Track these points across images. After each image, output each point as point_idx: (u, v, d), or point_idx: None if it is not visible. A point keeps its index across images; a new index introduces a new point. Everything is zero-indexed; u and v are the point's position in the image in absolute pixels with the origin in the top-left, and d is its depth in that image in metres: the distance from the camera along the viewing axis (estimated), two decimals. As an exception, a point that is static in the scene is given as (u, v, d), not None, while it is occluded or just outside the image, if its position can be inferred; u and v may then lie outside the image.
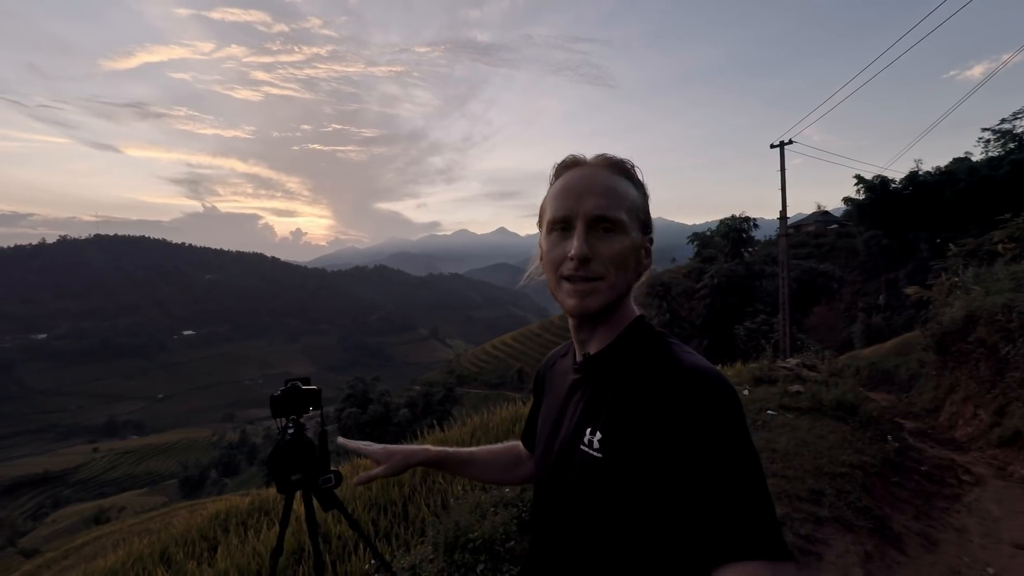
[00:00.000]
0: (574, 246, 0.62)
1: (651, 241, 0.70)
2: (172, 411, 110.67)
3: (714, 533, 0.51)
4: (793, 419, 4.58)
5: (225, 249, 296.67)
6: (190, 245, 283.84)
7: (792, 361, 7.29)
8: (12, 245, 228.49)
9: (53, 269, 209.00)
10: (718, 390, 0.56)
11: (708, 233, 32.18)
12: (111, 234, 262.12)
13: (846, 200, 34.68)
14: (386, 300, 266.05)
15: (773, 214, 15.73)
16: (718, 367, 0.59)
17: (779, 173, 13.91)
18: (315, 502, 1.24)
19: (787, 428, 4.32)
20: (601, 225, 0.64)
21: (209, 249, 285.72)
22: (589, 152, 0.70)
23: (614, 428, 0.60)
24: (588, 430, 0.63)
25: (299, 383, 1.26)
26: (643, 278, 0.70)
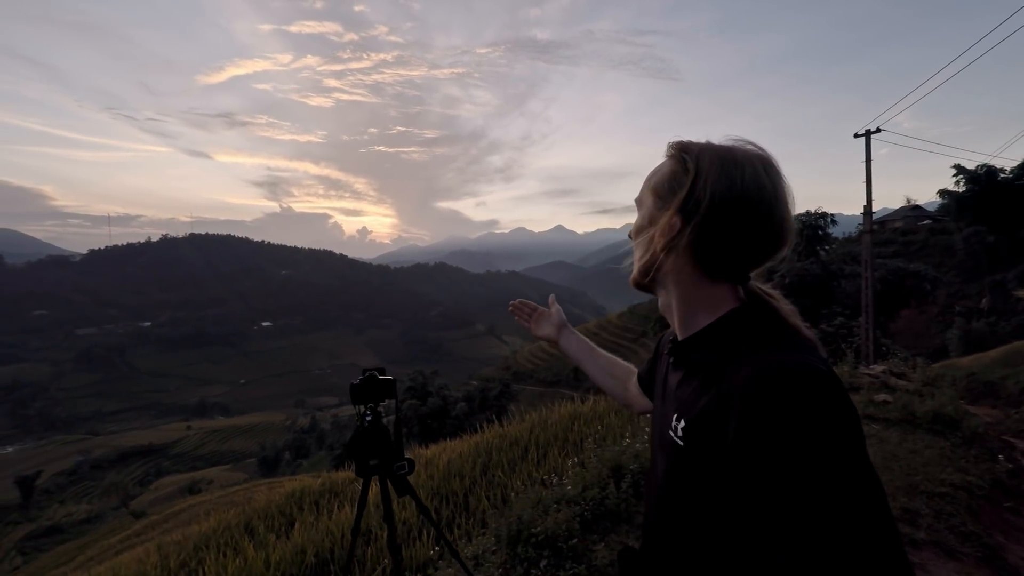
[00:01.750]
0: None
1: (676, 217, 0.62)
2: (252, 395, 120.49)
3: (775, 559, 0.46)
4: (880, 430, 4.19)
5: (299, 247, 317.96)
6: (268, 243, 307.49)
7: (877, 368, 6.66)
8: (125, 243, 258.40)
9: (156, 264, 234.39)
10: (807, 394, 0.49)
11: None
12: (203, 233, 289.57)
13: (942, 193, 30.92)
14: (445, 296, 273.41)
15: (853, 209, 14.40)
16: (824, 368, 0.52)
17: (863, 164, 12.69)
18: (391, 487, 1.29)
19: (874, 440, 3.96)
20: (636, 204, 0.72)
21: (285, 247, 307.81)
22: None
23: (695, 421, 0.59)
24: (675, 416, 0.63)
25: (376, 373, 1.32)
26: (663, 254, 0.64)
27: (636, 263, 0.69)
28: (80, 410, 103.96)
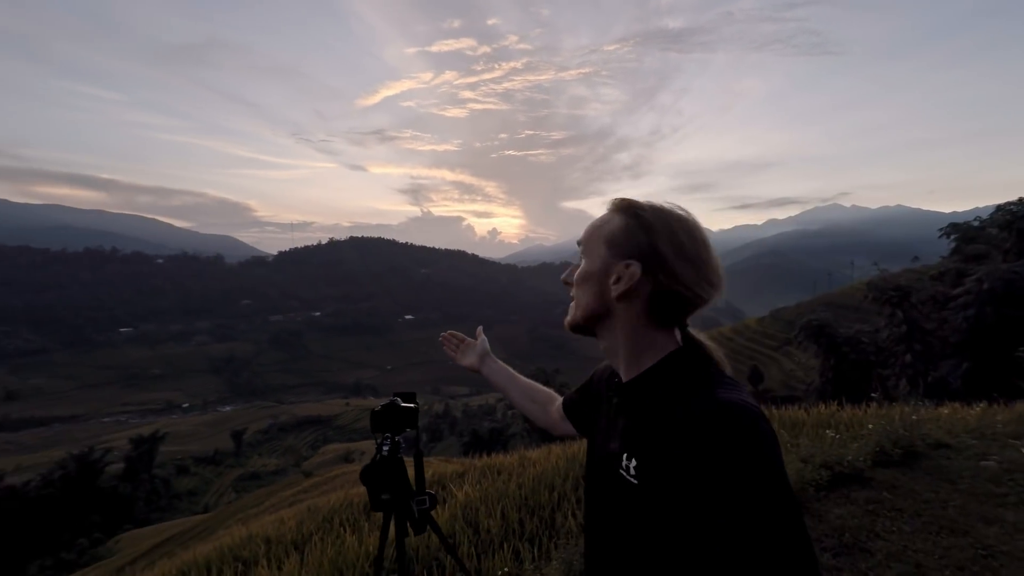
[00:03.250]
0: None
1: (636, 268, 0.68)
2: (396, 380, 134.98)
3: None
4: None
5: (436, 247, 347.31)
6: (411, 244, 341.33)
7: None
8: (303, 246, 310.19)
9: (325, 264, 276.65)
10: (745, 429, 0.55)
11: (976, 223, 23.65)
12: (360, 236, 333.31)
13: None
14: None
15: None
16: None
17: None
18: (408, 525, 1.24)
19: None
20: (580, 250, 0.76)
21: (425, 247, 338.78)
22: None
23: (648, 458, 0.63)
24: (626, 456, 0.66)
25: (399, 400, 1.28)
26: (616, 301, 0.70)
27: (578, 307, 0.75)
28: (271, 382, 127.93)
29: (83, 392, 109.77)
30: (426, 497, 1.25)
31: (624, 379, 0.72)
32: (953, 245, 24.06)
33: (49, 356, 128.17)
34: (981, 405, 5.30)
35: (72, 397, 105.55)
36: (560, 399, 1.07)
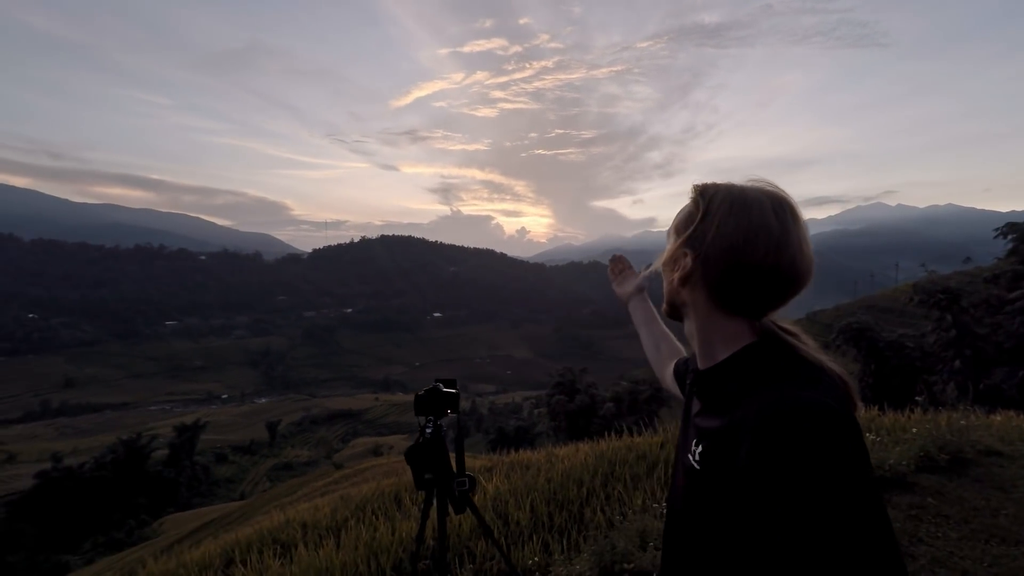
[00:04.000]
0: None
1: (685, 250, 0.68)
2: (425, 376, 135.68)
3: None
4: None
5: (465, 246, 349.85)
6: (440, 243, 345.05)
7: None
8: (336, 244, 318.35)
9: (357, 262, 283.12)
10: (815, 430, 0.50)
11: None
12: (391, 235, 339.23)
13: None
14: (599, 295, 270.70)
15: None
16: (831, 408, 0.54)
17: None
18: (449, 504, 1.30)
19: None
20: None
21: (454, 246, 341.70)
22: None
23: (709, 445, 0.63)
24: (694, 441, 0.67)
25: (441, 385, 1.35)
26: (681, 288, 0.70)
27: (664, 295, 0.76)
28: (305, 375, 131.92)
29: (132, 381, 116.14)
30: (466, 479, 1.30)
31: (699, 366, 0.72)
32: (1010, 246, 22.58)
33: (103, 347, 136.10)
34: (1040, 414, 5.00)
35: (123, 385, 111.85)
36: (674, 355, 1.08)
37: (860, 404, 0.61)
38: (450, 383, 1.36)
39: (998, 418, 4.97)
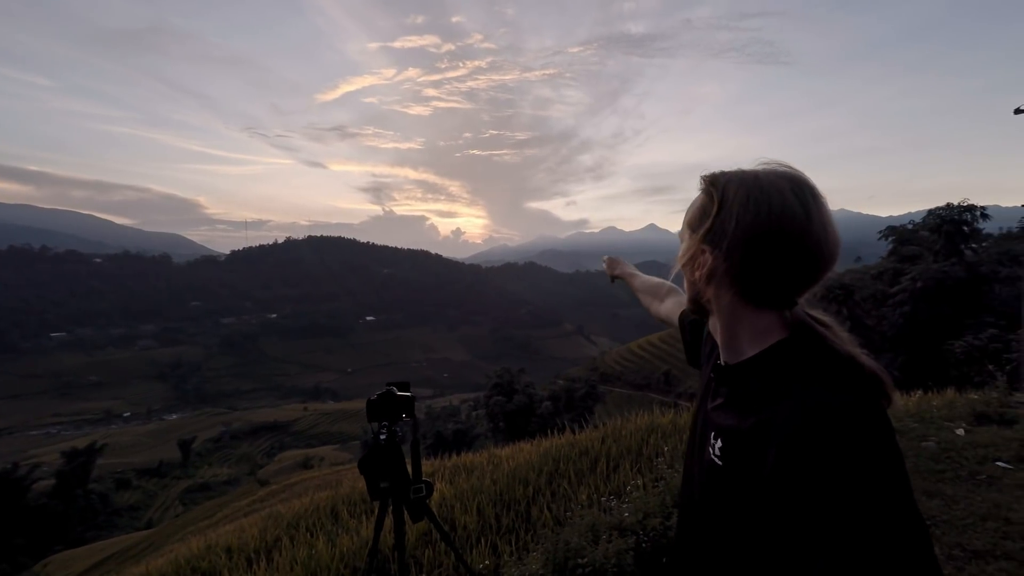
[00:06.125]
0: None
1: (704, 246, 0.64)
2: (357, 383, 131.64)
3: None
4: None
5: (399, 247, 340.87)
6: (373, 244, 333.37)
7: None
8: (257, 245, 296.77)
9: (281, 264, 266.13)
10: (848, 435, 0.49)
11: (910, 226, 25.79)
12: (319, 235, 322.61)
13: None
14: (534, 295, 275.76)
15: (1012, 200, 11.80)
16: (866, 402, 0.53)
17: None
18: (405, 512, 1.23)
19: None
20: None
21: (387, 247, 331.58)
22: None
23: (734, 443, 0.61)
24: (713, 435, 0.66)
25: (395, 388, 1.27)
26: (703, 284, 0.66)
27: (686, 292, 0.73)
28: (223, 387, 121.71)
29: (7, 403, 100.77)
30: (423, 485, 1.24)
31: (723, 360, 0.68)
32: (891, 247, 26.10)
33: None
34: (918, 393, 5.74)
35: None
36: (673, 293, 1.15)
37: (896, 397, 0.58)
38: (404, 386, 1.29)
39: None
